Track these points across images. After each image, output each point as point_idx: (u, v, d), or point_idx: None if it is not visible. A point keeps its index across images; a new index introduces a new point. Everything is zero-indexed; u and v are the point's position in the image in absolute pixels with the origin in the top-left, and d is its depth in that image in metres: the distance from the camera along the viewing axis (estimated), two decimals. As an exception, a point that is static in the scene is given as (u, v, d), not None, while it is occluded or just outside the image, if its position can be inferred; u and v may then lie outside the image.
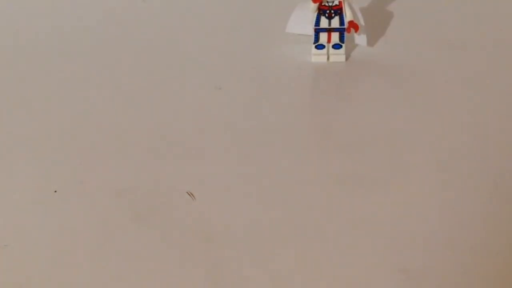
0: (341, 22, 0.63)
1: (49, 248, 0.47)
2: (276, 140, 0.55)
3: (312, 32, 0.64)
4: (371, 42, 0.67)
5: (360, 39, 0.65)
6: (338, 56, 0.65)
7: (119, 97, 0.61)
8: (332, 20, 0.63)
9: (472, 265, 0.44)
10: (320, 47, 0.65)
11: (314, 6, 0.63)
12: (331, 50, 0.65)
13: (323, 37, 0.64)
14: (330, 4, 0.63)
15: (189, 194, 0.50)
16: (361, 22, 0.64)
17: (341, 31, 0.64)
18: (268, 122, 0.57)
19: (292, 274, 0.44)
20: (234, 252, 0.46)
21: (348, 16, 0.63)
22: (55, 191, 0.51)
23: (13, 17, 0.76)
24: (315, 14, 0.63)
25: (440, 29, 0.70)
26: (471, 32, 0.70)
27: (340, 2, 0.63)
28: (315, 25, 0.64)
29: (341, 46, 0.65)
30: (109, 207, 0.49)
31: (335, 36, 0.64)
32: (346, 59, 0.65)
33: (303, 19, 0.64)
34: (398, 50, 0.67)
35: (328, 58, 0.65)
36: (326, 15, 0.63)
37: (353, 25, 0.63)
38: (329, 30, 0.64)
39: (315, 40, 0.64)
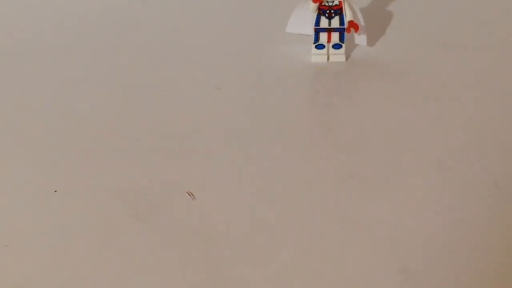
0: (341, 22, 0.63)
1: (49, 248, 0.47)
2: (275, 140, 0.55)
3: (312, 32, 0.64)
4: (371, 42, 0.67)
5: (360, 39, 0.65)
6: (338, 56, 0.65)
7: (119, 97, 0.61)
8: (332, 20, 0.63)
9: (472, 265, 0.44)
10: (320, 47, 0.65)
11: (314, 6, 0.63)
12: (331, 50, 0.65)
13: (323, 37, 0.64)
14: (330, 4, 0.63)
15: (189, 194, 0.50)
16: (361, 22, 0.64)
17: (341, 31, 0.64)
18: (268, 122, 0.57)
19: (292, 274, 0.44)
20: (234, 252, 0.46)
21: (348, 16, 0.63)
22: (55, 191, 0.51)
23: (12, 16, 0.76)
24: (315, 14, 0.63)
25: (439, 29, 0.70)
26: (470, 32, 0.70)
27: (340, 2, 0.63)
28: (315, 25, 0.64)
29: (341, 46, 0.65)
30: (109, 207, 0.49)
31: (335, 36, 0.64)
32: (346, 59, 0.65)
33: (303, 19, 0.64)
34: (398, 50, 0.67)
35: (328, 58, 0.65)
36: (326, 15, 0.63)
37: (353, 25, 0.63)
38: (329, 30, 0.64)
39: (315, 40, 0.64)
